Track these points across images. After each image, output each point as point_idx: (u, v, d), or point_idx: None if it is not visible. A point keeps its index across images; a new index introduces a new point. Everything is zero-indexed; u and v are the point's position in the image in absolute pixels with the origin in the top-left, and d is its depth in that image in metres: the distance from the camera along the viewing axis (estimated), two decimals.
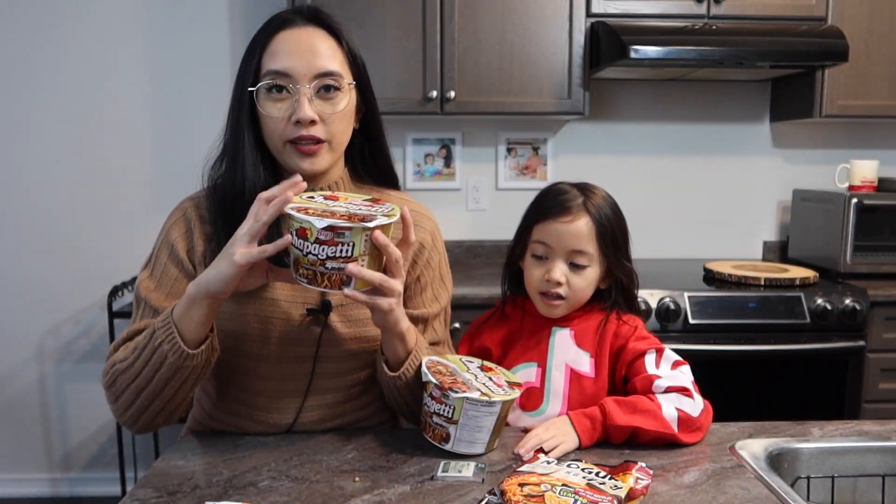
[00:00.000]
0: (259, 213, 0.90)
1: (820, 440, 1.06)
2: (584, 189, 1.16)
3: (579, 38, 2.32)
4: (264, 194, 0.91)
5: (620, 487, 0.86)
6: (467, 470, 0.94)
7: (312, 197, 0.94)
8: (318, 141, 1.03)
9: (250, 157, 1.04)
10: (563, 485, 0.85)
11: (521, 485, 0.86)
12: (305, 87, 1.01)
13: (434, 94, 2.30)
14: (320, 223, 0.85)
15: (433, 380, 0.97)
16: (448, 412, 0.97)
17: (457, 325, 1.97)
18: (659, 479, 0.93)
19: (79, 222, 2.61)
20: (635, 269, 1.20)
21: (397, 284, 0.94)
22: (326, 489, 0.90)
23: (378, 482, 0.92)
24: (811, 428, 1.11)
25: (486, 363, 1.09)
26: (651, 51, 2.17)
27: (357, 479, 0.93)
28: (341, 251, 0.87)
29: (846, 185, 2.50)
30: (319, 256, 0.87)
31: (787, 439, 1.06)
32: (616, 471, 0.93)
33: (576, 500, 0.81)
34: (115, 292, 2.35)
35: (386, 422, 1.19)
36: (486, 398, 0.96)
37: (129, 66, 2.56)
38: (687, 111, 2.72)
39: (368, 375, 1.13)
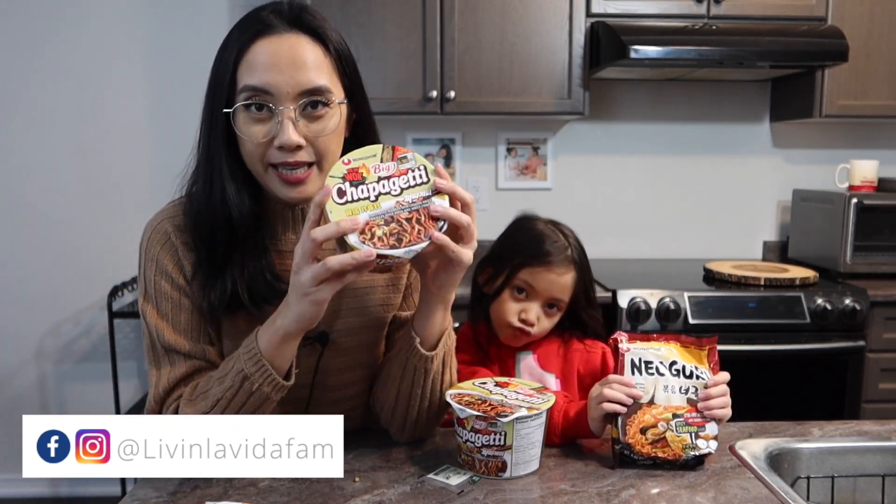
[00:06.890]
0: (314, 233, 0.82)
1: (820, 440, 1.07)
2: (566, 235, 1.22)
3: (579, 38, 2.32)
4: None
5: (703, 377, 1.01)
6: (455, 478, 0.93)
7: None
8: (306, 164, 0.92)
9: (229, 180, 0.94)
10: (674, 415, 0.96)
11: (643, 430, 0.93)
12: (289, 108, 0.89)
13: (434, 94, 2.30)
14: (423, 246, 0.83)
15: (473, 412, 0.92)
16: (499, 440, 0.92)
17: (456, 324, 1.96)
18: (659, 479, 0.93)
19: (79, 222, 2.61)
20: (598, 317, 1.26)
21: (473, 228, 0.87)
22: (326, 489, 0.90)
23: (378, 482, 0.92)
24: (811, 428, 1.11)
25: (500, 379, 1.06)
26: (651, 51, 2.17)
27: (357, 479, 0.93)
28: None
29: (846, 185, 2.50)
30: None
31: (787, 439, 1.06)
32: (702, 345, 1.04)
33: (690, 433, 0.95)
34: (115, 292, 2.35)
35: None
36: (535, 411, 0.93)
37: (129, 67, 2.56)
38: (687, 111, 2.72)
39: (366, 401, 1.10)
